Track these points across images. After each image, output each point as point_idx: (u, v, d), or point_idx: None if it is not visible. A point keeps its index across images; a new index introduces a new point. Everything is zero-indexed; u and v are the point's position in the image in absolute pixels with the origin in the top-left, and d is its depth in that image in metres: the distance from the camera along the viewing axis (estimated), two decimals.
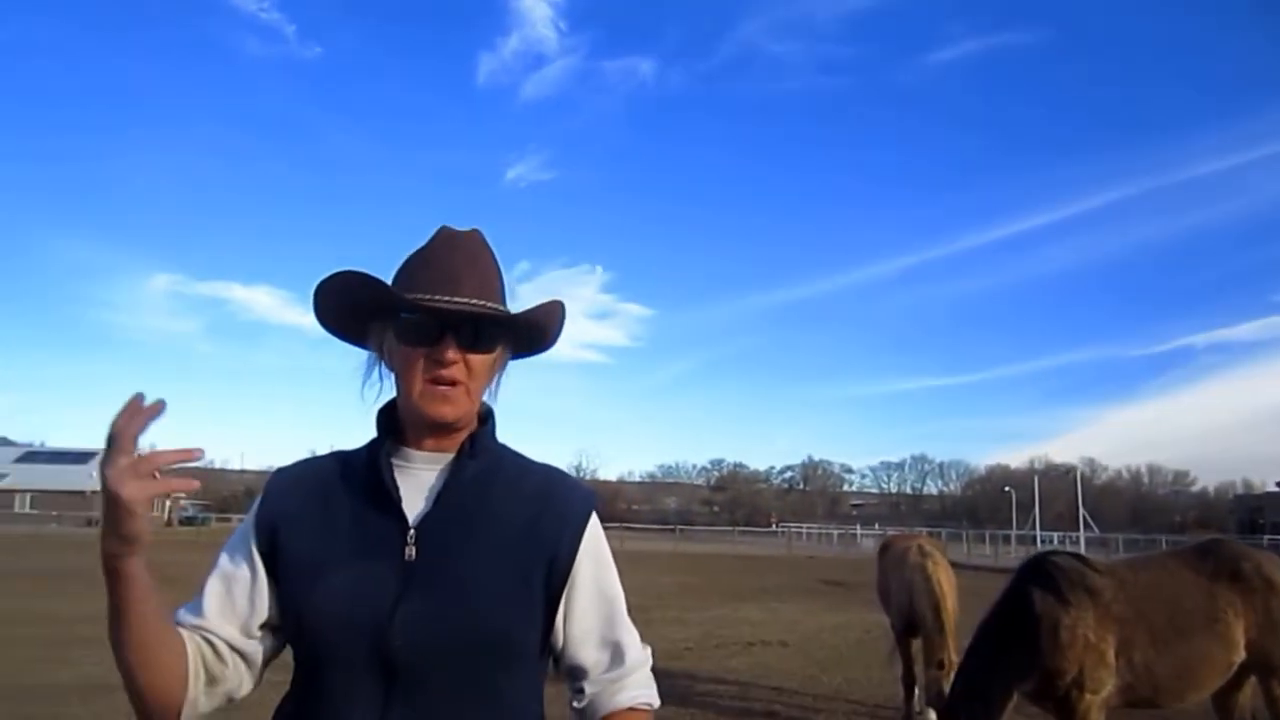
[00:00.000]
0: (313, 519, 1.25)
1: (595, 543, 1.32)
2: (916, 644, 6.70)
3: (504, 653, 1.22)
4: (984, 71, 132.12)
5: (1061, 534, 44.72)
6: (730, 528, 62.58)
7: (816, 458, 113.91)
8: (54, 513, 55.45)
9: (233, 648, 1.23)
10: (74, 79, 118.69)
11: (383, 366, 1.34)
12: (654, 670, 1.36)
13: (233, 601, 1.25)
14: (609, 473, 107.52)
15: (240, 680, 1.25)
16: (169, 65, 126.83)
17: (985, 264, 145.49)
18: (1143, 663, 4.21)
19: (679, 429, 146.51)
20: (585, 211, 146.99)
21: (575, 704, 1.30)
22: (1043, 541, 41.01)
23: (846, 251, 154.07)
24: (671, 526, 57.14)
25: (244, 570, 1.26)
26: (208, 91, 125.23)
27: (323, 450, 1.41)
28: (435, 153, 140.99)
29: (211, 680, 1.21)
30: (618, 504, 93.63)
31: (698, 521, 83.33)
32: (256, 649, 1.25)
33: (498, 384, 1.37)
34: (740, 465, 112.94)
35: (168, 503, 67.91)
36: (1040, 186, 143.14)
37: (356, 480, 1.27)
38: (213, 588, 1.26)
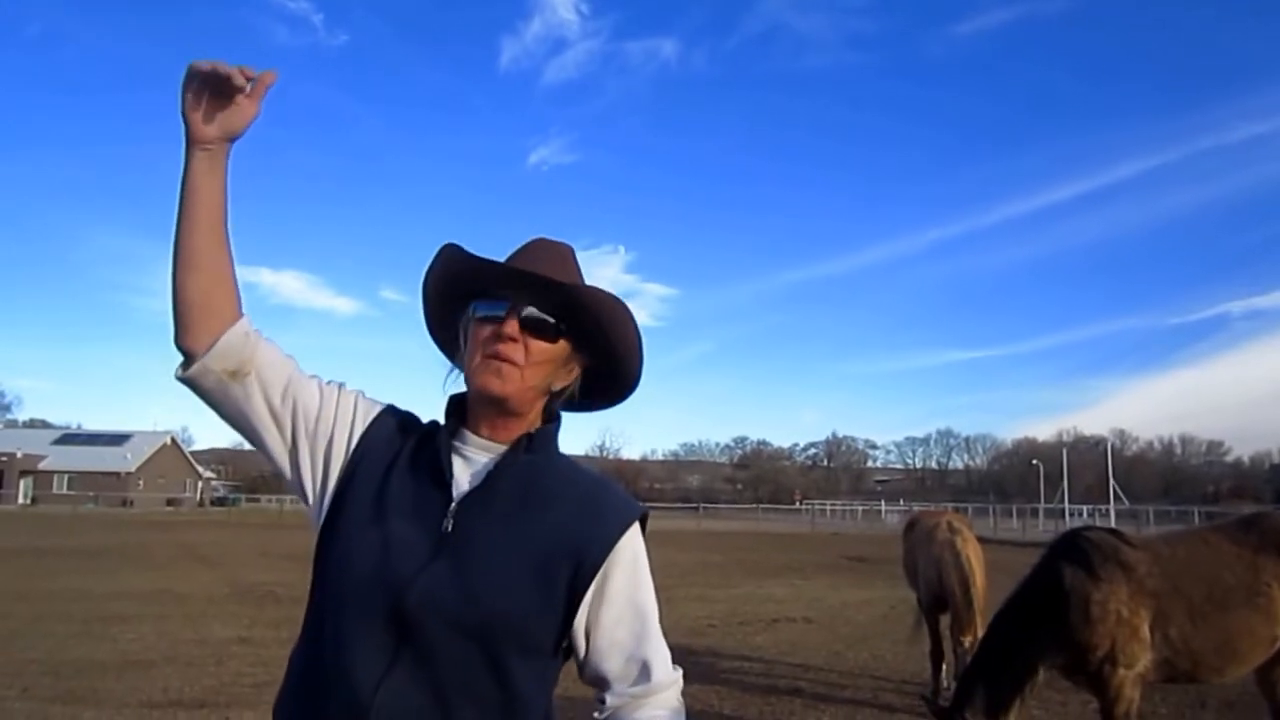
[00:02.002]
0: (381, 472, 1.30)
1: (633, 556, 1.31)
2: (945, 619, 6.67)
3: (514, 638, 1.23)
4: (1013, 40, 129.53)
5: (1091, 507, 44.27)
6: (754, 505, 62.52)
7: (840, 434, 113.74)
8: (90, 493, 56.54)
9: (251, 378, 1.29)
10: (105, 70, 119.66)
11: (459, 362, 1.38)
12: (678, 647, 1.36)
13: (284, 378, 1.32)
14: (632, 451, 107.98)
15: (228, 394, 1.30)
16: (200, 54, 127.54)
17: (1015, 236, 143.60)
18: (1180, 637, 4.14)
19: (702, 407, 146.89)
20: (608, 193, 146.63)
21: (596, 714, 1.31)
22: (1071, 515, 40.58)
23: (872, 227, 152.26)
24: (695, 505, 57.19)
25: (315, 404, 1.33)
26: None
27: None
28: (459, 138, 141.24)
29: (232, 373, 1.28)
30: (641, 483, 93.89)
31: (721, 499, 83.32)
32: (258, 405, 1.30)
33: (563, 396, 1.38)
34: (764, 443, 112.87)
35: (199, 484, 69.12)
36: (1070, 156, 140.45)
37: (423, 452, 1.32)
38: (295, 367, 1.34)
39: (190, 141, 1.25)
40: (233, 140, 1.27)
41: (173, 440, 68.67)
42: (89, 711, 5.91)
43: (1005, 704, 4.29)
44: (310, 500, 1.34)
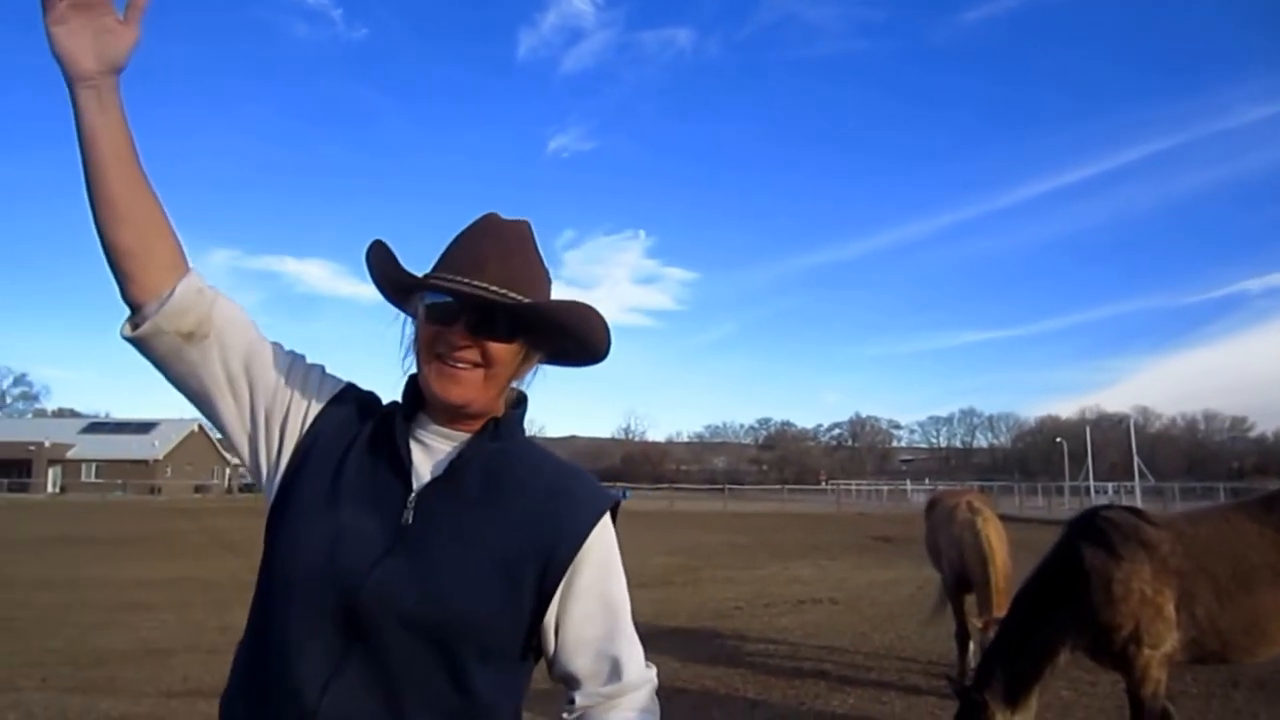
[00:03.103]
0: (337, 455, 1.22)
1: (603, 549, 1.23)
2: (970, 599, 6.57)
3: (475, 639, 1.14)
4: (1023, 24, 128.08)
5: (1115, 484, 43.72)
6: (779, 486, 62.34)
7: (864, 414, 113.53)
8: (118, 481, 57.39)
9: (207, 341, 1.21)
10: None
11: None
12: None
13: (245, 342, 1.24)
14: (657, 434, 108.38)
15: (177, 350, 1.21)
16: (226, 51, 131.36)
17: (1032, 217, 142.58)
18: (1206, 617, 4.04)
19: (726, 389, 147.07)
20: (627, 179, 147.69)
21: (565, 714, 1.23)
22: (1096, 493, 40.20)
23: (889, 210, 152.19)
24: (720, 486, 57.28)
25: (274, 374, 1.25)
26: (260, 74, 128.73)
27: None
28: (478, 127, 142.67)
29: (188, 334, 1.19)
30: (666, 465, 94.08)
31: (746, 481, 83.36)
32: (213, 369, 1.22)
33: (532, 378, 1.32)
34: (788, 423, 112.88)
35: (227, 471, 69.94)
36: (1086, 137, 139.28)
37: (381, 436, 1.23)
38: (256, 330, 1.26)
39: (71, 80, 1.12)
40: (117, 72, 1.14)
41: (200, 427, 69.30)
42: (106, 701, 5.92)
43: (1025, 685, 4.23)
44: (263, 479, 1.25)
